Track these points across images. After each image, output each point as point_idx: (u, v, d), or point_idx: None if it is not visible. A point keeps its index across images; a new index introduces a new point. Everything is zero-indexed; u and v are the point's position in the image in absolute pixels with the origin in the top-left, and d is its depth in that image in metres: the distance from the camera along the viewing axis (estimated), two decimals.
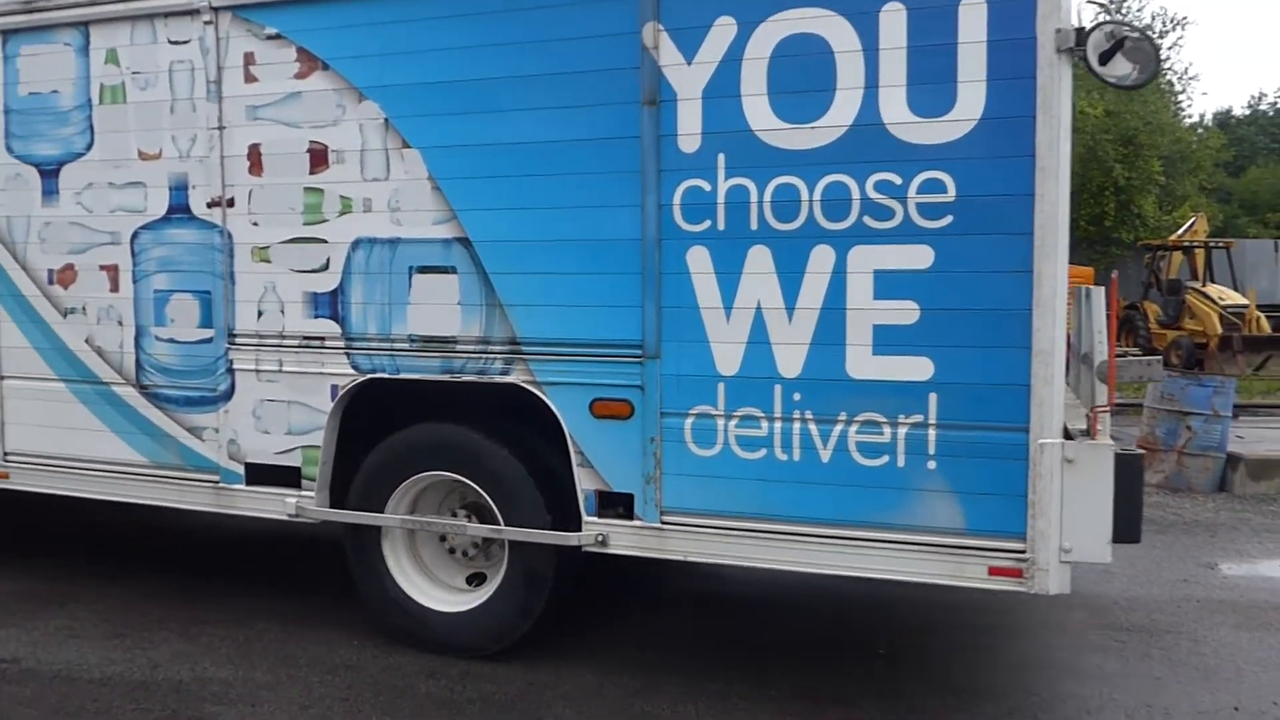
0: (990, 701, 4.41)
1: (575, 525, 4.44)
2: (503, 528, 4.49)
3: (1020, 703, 4.41)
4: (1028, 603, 5.16)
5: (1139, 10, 28.61)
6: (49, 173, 5.24)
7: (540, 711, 4.24)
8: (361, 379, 4.66)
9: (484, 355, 4.45)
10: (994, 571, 3.87)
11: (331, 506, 4.82)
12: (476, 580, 4.81)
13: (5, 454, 5.47)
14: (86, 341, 5.23)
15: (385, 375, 4.63)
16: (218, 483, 4.99)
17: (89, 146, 5.13)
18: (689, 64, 4.08)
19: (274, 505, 4.88)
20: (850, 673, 4.67)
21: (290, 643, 4.91)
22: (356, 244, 4.63)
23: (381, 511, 4.71)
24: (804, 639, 5.17)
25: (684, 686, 4.45)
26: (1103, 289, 4.44)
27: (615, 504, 4.36)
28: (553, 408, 4.36)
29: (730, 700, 4.35)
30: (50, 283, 5.29)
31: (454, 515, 4.77)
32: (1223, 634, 5.20)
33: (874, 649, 5.00)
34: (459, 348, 4.48)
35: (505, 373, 4.42)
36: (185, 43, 4.87)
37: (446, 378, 4.52)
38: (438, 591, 4.76)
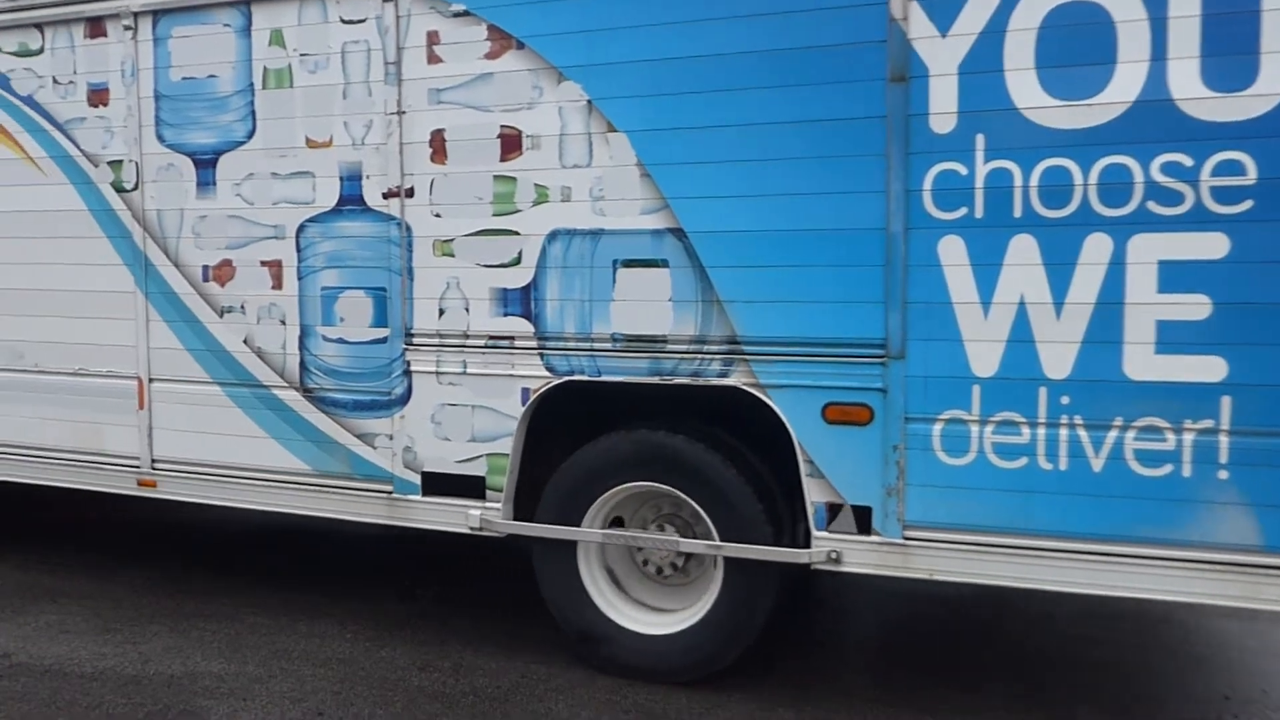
0: (983, 692, 4.31)
1: (792, 540, 4.11)
2: (723, 544, 4.13)
3: (1013, 693, 4.31)
4: (1018, 593, 5.02)
5: None
6: (205, 162, 4.92)
7: (533, 704, 4.17)
8: (557, 381, 4.32)
9: (699, 356, 4.10)
10: None
11: (515, 518, 4.49)
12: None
13: (153, 461, 5.16)
14: (245, 342, 4.90)
15: (584, 378, 4.28)
16: (391, 493, 4.66)
17: (250, 134, 4.80)
18: (943, 36, 3.72)
19: (455, 518, 4.54)
20: (845, 664, 4.63)
21: (282, 636, 4.88)
22: (553, 236, 4.29)
23: (579, 524, 4.36)
24: (798, 631, 5.06)
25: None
26: None
27: (848, 518, 4.01)
28: (778, 412, 4.01)
29: (723, 691, 4.25)
30: (205, 280, 4.97)
31: (644, 529, 4.42)
32: (1214, 623, 5.12)
33: (868, 641, 4.95)
34: (670, 348, 4.14)
35: (724, 375, 4.07)
36: (360, 22, 4.54)
37: (655, 380, 4.18)
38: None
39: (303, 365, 4.79)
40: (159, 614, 5.17)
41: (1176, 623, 5.12)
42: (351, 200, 4.63)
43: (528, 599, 5.19)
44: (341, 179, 4.64)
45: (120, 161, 5.10)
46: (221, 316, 4.94)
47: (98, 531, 6.75)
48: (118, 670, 4.50)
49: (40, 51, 5.24)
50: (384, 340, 4.61)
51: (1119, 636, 4.95)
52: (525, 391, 4.38)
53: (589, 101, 4.19)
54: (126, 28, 4.99)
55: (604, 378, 4.26)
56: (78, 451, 5.34)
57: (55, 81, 5.21)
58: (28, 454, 5.46)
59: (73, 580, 5.72)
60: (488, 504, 4.48)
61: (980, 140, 3.71)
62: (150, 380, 5.12)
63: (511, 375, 4.40)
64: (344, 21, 4.57)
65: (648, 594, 4.46)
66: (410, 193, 4.51)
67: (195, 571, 5.86)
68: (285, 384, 4.83)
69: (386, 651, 4.68)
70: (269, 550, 6.38)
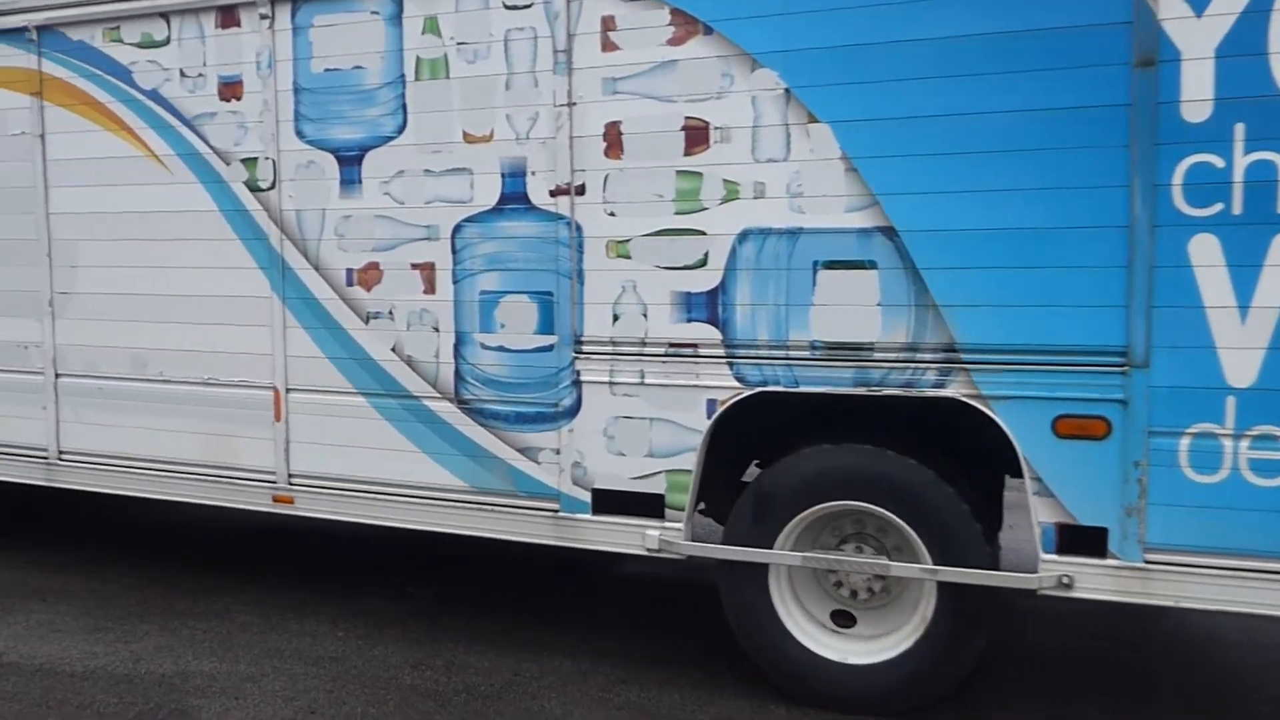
0: (981, 691, 4.19)
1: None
2: (939, 568, 3.83)
3: (1013, 691, 4.25)
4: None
5: None
6: (349, 159, 4.62)
7: (525, 702, 4.16)
8: (747, 393, 4.02)
9: (912, 365, 3.79)
10: None
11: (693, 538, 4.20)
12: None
13: (290, 476, 4.87)
14: (393, 350, 4.61)
15: (779, 388, 3.98)
16: (557, 511, 4.37)
17: (400, 129, 4.50)
18: (1198, 16, 3.41)
19: (629, 539, 4.25)
20: None
21: (273, 634, 4.86)
22: (744, 236, 3.98)
23: (770, 546, 4.07)
24: None
25: (667, 674, 4.40)
26: None
27: (1079, 540, 3.70)
28: (1002, 426, 3.70)
29: (714, 689, 4.24)
30: (349, 284, 4.67)
31: (828, 550, 4.13)
32: (1202, 618, 4.91)
33: None
34: (878, 356, 3.83)
35: (940, 385, 3.77)
36: (526, 7, 4.24)
37: (861, 391, 3.88)
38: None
39: (458, 375, 4.50)
40: (150, 613, 5.13)
41: (1171, 616, 5.01)
42: (514, 198, 4.33)
43: (522, 598, 5.36)
44: (503, 176, 4.34)
45: (255, 159, 4.81)
46: (367, 323, 4.65)
47: (91, 530, 6.67)
48: (109, 669, 4.46)
49: (166, 42, 4.95)
50: (550, 348, 4.32)
51: (1115, 632, 4.88)
52: (711, 403, 4.08)
53: (786, 90, 3.88)
54: (263, 16, 4.69)
55: (802, 389, 3.95)
56: (207, 465, 5.06)
57: (183, 74, 4.92)
58: (152, 467, 5.18)
59: (64, 579, 5.68)
60: (667, 524, 4.19)
61: (1240, 130, 3.40)
62: (287, 390, 4.83)
63: (695, 386, 4.10)
64: (507, 7, 4.27)
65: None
66: (581, 190, 4.21)
67: (186, 570, 5.80)
68: (438, 395, 4.54)
69: (379, 650, 4.66)
70: (261, 549, 6.30)
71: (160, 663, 4.52)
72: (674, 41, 4.02)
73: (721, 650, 4.49)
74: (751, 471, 4.54)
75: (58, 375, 5.38)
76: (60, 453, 5.42)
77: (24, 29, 5.21)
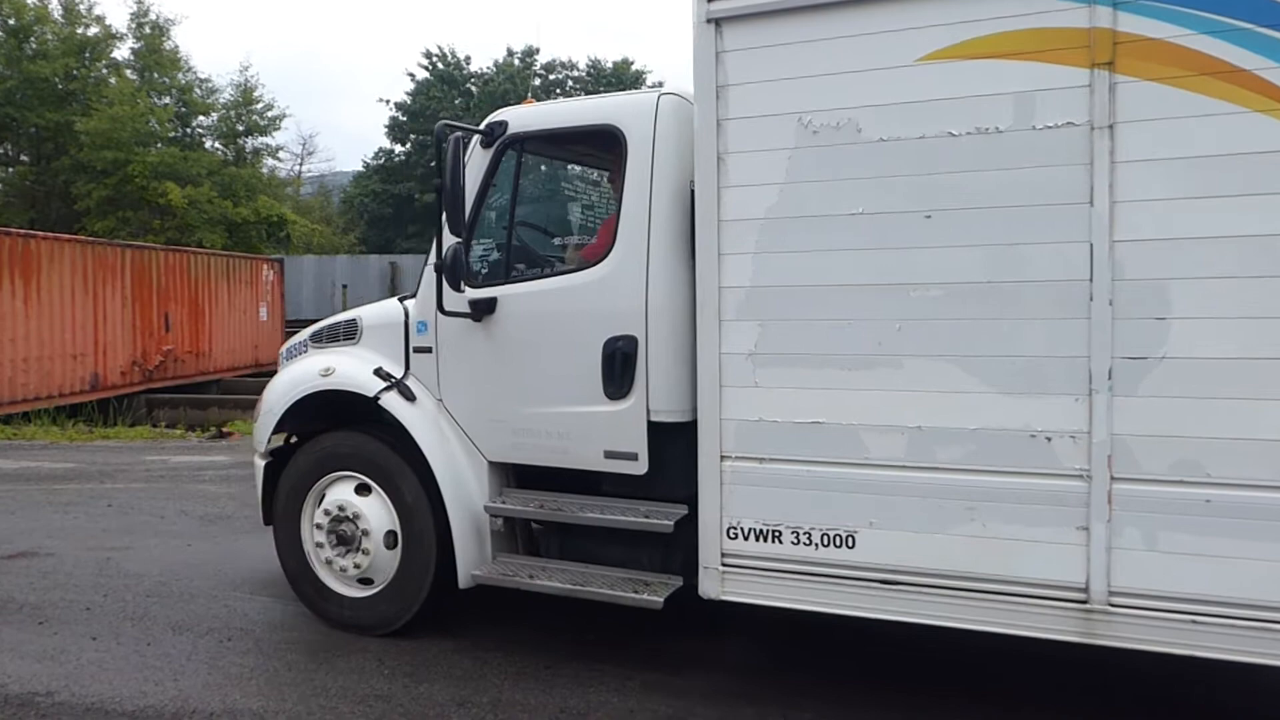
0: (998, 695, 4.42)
1: None
2: None
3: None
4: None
5: None
6: None
7: None
8: None
9: None
10: None
11: None
12: None
13: None
14: None
15: None
16: None
17: None
18: None
19: None
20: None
21: (320, 672, 4.83)
22: None
23: None
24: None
25: (719, 711, 4.34)
26: None
27: None
28: None
29: None
30: None
31: None
32: None
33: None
34: None
35: None
36: None
37: None
38: None
39: None
40: (195, 652, 5.14)
41: None
42: None
43: (567, 633, 5.29)
44: None
45: None
46: None
47: (125, 566, 6.73)
48: (158, 708, 4.45)
49: None
50: None
51: None
52: None
53: None
54: None
55: None
56: None
57: None
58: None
59: (107, 619, 5.67)
60: None
61: None
62: None
63: None
64: None
65: None
66: None
67: (233, 609, 5.80)
68: None
69: (425, 688, 4.64)
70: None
71: (209, 701, 4.50)
72: None
73: (781, 684, 4.52)
74: None
75: (1113, 479, 3.67)
76: (1110, 594, 3.70)
77: None
